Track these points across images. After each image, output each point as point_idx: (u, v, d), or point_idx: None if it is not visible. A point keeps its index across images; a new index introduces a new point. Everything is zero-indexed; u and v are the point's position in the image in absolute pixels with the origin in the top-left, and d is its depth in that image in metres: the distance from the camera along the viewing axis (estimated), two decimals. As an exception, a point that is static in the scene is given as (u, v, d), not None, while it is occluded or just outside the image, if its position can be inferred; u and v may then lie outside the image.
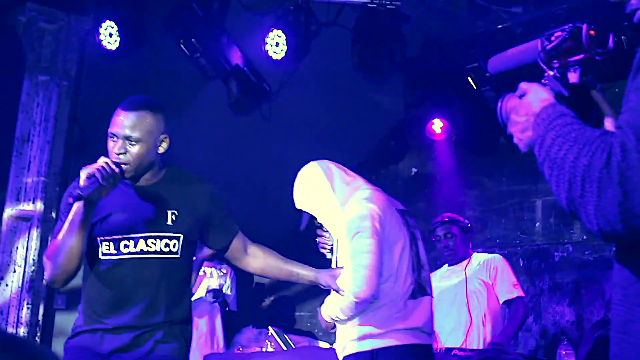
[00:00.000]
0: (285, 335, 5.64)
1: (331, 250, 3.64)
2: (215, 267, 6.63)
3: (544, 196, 6.75)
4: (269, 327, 5.77)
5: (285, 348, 5.47)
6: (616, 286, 1.59)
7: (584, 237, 6.44)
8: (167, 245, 3.04)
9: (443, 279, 5.29)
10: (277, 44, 6.15)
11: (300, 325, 7.85)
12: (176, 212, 3.07)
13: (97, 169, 2.79)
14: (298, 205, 3.71)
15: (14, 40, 6.07)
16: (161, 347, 3.02)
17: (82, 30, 6.18)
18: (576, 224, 6.50)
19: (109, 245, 3.01)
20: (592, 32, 1.73)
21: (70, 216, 2.88)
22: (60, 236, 2.90)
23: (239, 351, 5.88)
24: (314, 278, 3.32)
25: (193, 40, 6.18)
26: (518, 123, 1.73)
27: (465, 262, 5.25)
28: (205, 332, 6.25)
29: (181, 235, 3.07)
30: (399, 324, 3.38)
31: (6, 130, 6.01)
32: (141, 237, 3.01)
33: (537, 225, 6.89)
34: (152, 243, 3.02)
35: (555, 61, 1.79)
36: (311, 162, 3.71)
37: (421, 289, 3.52)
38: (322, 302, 3.58)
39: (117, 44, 6.07)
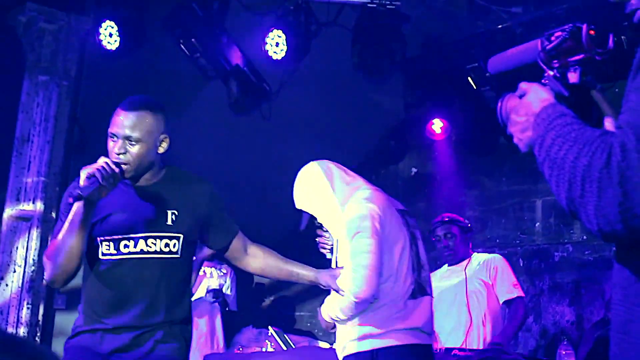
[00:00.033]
0: (285, 335, 5.64)
1: (331, 250, 3.64)
2: (215, 267, 6.62)
3: (544, 196, 6.74)
4: (269, 327, 5.76)
5: (285, 348, 5.47)
6: (616, 286, 1.59)
7: (584, 237, 6.44)
8: (167, 245, 3.04)
9: (443, 279, 5.29)
10: (277, 44, 6.15)
11: (301, 325, 7.85)
12: (176, 212, 3.07)
13: (97, 169, 2.79)
14: (298, 205, 3.71)
15: (14, 40, 6.07)
16: (161, 347, 3.02)
17: (82, 30, 6.18)
18: (576, 224, 6.50)
19: (109, 245, 3.01)
20: (592, 32, 1.73)
21: (70, 216, 2.88)
22: (60, 236, 2.90)
23: (239, 351, 5.88)
24: (313, 278, 3.32)
25: (193, 40, 6.18)
26: (518, 123, 1.73)
27: (465, 262, 5.25)
28: (205, 332, 6.25)
29: (181, 235, 3.07)
30: (399, 324, 3.38)
31: (6, 130, 6.01)
32: (141, 237, 3.01)
33: (537, 225, 6.88)
34: (152, 243, 3.02)
35: (555, 61, 1.79)
36: (311, 162, 3.71)
37: (421, 289, 3.52)
38: (322, 302, 3.58)
39: (117, 44, 6.07)
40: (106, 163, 2.84)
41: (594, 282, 6.37)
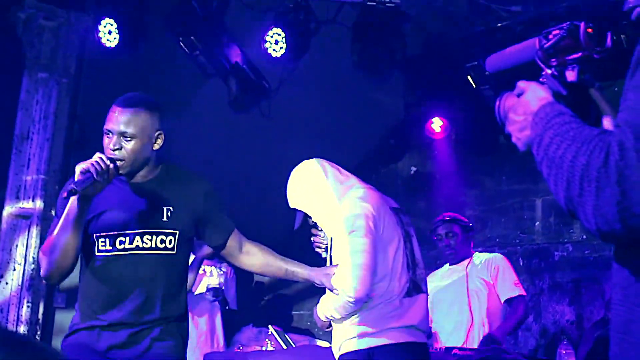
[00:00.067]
0: (285, 334, 5.63)
1: (326, 249, 3.63)
2: (215, 266, 6.61)
3: (544, 195, 6.74)
4: (269, 326, 5.76)
5: (285, 347, 5.46)
6: (616, 286, 1.59)
7: (584, 237, 6.44)
8: (162, 241, 3.05)
9: (444, 278, 5.30)
10: (276, 42, 6.15)
11: (301, 324, 7.84)
12: (172, 209, 3.09)
13: (92, 164, 2.81)
14: (292, 204, 3.69)
15: (14, 37, 6.06)
16: (158, 345, 3.03)
17: (81, 28, 6.18)
18: (576, 224, 6.49)
19: (104, 242, 3.02)
20: (590, 30, 1.72)
21: (65, 212, 2.90)
22: (55, 232, 2.92)
23: (239, 350, 5.87)
24: (307, 276, 3.34)
25: (192, 38, 6.18)
26: (516, 122, 1.72)
27: (466, 262, 5.25)
28: (205, 330, 6.23)
29: (177, 232, 3.08)
30: (394, 322, 3.39)
31: (5, 127, 6.01)
32: (137, 233, 3.02)
33: (537, 224, 6.88)
34: (147, 239, 3.03)
35: (553, 59, 1.77)
36: (306, 161, 3.71)
37: (416, 287, 3.52)
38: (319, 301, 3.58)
39: (116, 42, 6.07)
40: (100, 158, 2.85)
41: (594, 281, 6.36)
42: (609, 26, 1.99)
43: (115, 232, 3.01)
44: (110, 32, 6.07)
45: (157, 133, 3.07)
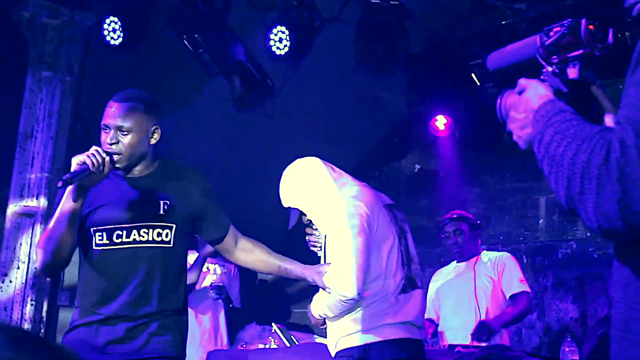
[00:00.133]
0: (288, 332, 5.64)
1: (322, 248, 3.63)
2: (218, 264, 6.62)
3: (547, 193, 6.73)
4: (273, 324, 5.76)
5: (288, 345, 5.46)
6: (616, 284, 1.58)
7: (588, 234, 6.43)
8: (159, 234, 3.07)
9: (451, 276, 5.31)
10: (280, 40, 6.14)
11: (304, 321, 7.84)
12: (168, 203, 3.11)
13: (87, 156, 2.83)
14: (286, 203, 3.69)
15: (18, 35, 6.06)
16: (156, 339, 3.05)
17: (85, 26, 6.17)
18: (580, 221, 6.47)
19: (101, 236, 3.04)
20: (591, 27, 1.72)
21: (61, 204, 2.91)
22: (51, 224, 2.94)
23: (242, 348, 5.88)
24: (301, 274, 3.35)
25: (196, 36, 6.18)
26: (517, 120, 1.72)
27: (474, 259, 5.26)
28: (209, 328, 6.24)
29: (174, 225, 3.10)
30: (390, 318, 3.40)
31: (9, 126, 6.01)
32: (134, 227, 3.04)
33: (540, 222, 6.87)
34: (144, 233, 3.05)
35: (554, 57, 1.76)
36: (300, 159, 3.70)
37: (412, 283, 3.53)
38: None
39: (120, 40, 6.08)
40: (97, 151, 2.87)
41: (597, 279, 6.36)
42: (613, 23, 1.98)
43: (112, 226, 3.03)
44: (114, 31, 6.09)
45: (153, 128, 3.09)
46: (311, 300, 3.57)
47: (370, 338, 3.37)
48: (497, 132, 6.90)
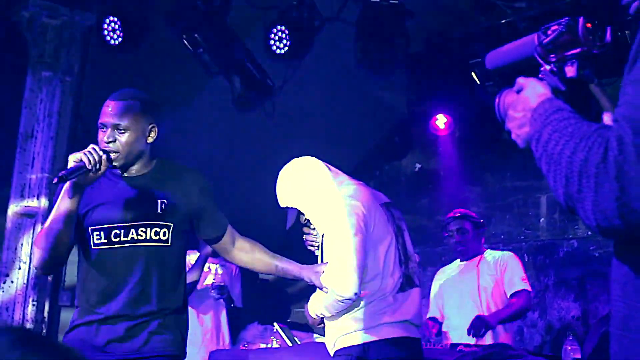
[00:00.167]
0: (290, 332, 5.64)
1: (319, 247, 3.64)
2: (219, 264, 6.62)
3: (548, 192, 6.72)
4: (275, 324, 5.76)
5: (290, 344, 5.46)
6: (615, 282, 1.58)
7: (589, 233, 6.42)
8: (157, 233, 3.07)
9: (455, 274, 5.30)
10: (280, 40, 6.13)
11: (305, 321, 7.83)
12: (166, 201, 3.11)
13: (84, 154, 2.84)
14: (284, 203, 3.69)
15: (17, 35, 6.07)
16: (156, 338, 3.05)
17: (85, 26, 6.17)
18: (581, 220, 6.47)
19: (99, 235, 3.04)
20: (589, 25, 1.71)
21: (57, 202, 2.93)
22: (47, 222, 2.95)
23: (244, 347, 5.88)
24: (298, 273, 3.37)
25: (196, 35, 6.18)
26: (515, 119, 1.72)
27: (477, 258, 5.27)
28: (211, 328, 6.24)
29: (171, 224, 3.10)
30: (388, 317, 3.40)
31: (10, 126, 6.01)
32: (131, 226, 3.04)
33: (541, 220, 6.87)
34: (142, 231, 3.05)
35: (552, 55, 1.76)
36: (298, 159, 3.70)
37: (409, 282, 3.53)
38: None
39: (120, 40, 6.08)
40: (93, 149, 2.88)
41: (599, 277, 6.36)
42: (613, 22, 1.98)
43: (110, 225, 3.03)
44: (114, 31, 6.08)
45: (150, 126, 3.11)
46: (308, 300, 3.57)
47: (369, 337, 3.38)
48: (498, 131, 6.86)
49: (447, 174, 7.56)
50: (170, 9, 6.23)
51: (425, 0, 6.20)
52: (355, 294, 3.28)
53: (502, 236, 7.05)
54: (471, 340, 4.79)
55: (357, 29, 6.08)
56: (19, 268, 5.77)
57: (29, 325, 5.70)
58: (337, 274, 3.28)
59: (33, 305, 5.77)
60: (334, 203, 3.45)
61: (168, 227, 3.09)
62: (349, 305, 3.35)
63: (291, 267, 3.36)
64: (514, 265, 5.18)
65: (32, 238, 5.77)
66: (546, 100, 1.64)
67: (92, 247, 3.05)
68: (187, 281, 3.52)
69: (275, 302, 8.28)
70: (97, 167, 2.86)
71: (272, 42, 6.13)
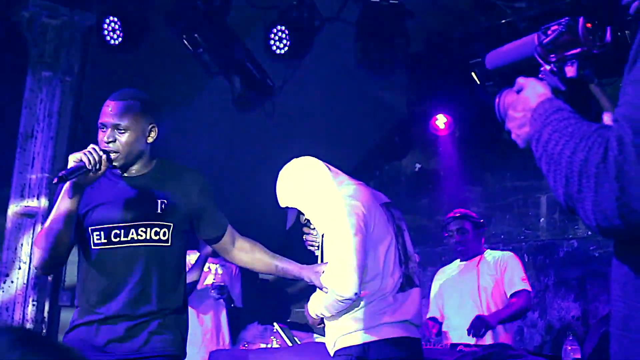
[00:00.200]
0: (290, 332, 5.64)
1: (319, 247, 3.64)
2: (219, 264, 6.61)
3: (548, 192, 6.72)
4: (275, 324, 5.76)
5: (290, 344, 5.46)
6: (615, 282, 1.58)
7: (589, 233, 6.42)
8: (157, 233, 3.07)
9: (455, 274, 5.30)
10: (280, 40, 6.13)
11: (305, 321, 7.83)
12: (166, 201, 3.11)
13: (84, 154, 2.84)
14: (283, 204, 3.69)
15: (18, 35, 6.07)
16: (156, 338, 3.05)
17: (85, 26, 6.18)
18: (581, 220, 6.47)
19: (99, 235, 3.05)
20: (589, 25, 1.71)
21: (57, 202, 2.93)
22: (47, 222, 2.95)
23: (244, 347, 5.88)
24: (298, 273, 3.37)
25: (196, 35, 6.18)
26: (515, 119, 1.71)
27: (477, 258, 5.27)
28: (211, 328, 6.24)
29: (171, 224, 3.10)
30: (388, 317, 3.40)
31: (10, 126, 6.01)
32: (131, 226, 3.05)
33: (541, 220, 6.87)
34: (142, 231, 3.05)
35: (552, 55, 1.76)
36: (297, 159, 3.70)
37: (409, 281, 3.53)
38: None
39: (120, 40, 6.08)
40: (93, 149, 2.89)
41: (599, 277, 6.36)
42: (613, 22, 1.99)
43: (110, 225, 3.04)
44: (114, 31, 6.08)
45: (150, 126, 3.11)
46: (308, 300, 3.57)
47: (369, 337, 3.38)
48: (498, 131, 6.85)
49: (447, 174, 7.56)
50: (170, 9, 6.23)
51: (425, 0, 6.20)
52: (355, 294, 3.28)
53: (502, 236, 7.05)
54: (471, 340, 4.79)
55: (357, 29, 6.08)
56: (19, 268, 5.77)
57: (29, 325, 5.70)
58: (337, 274, 3.28)
59: (33, 305, 5.77)
60: (334, 203, 3.45)
61: (168, 227, 3.09)
62: (349, 305, 3.35)
63: (291, 267, 3.36)
64: (514, 265, 5.18)
65: (32, 238, 5.77)
66: (546, 100, 1.64)
67: (92, 247, 3.05)
68: (187, 281, 3.52)
69: (275, 302, 8.28)
70: (97, 167, 2.86)
71: (272, 42, 6.13)
